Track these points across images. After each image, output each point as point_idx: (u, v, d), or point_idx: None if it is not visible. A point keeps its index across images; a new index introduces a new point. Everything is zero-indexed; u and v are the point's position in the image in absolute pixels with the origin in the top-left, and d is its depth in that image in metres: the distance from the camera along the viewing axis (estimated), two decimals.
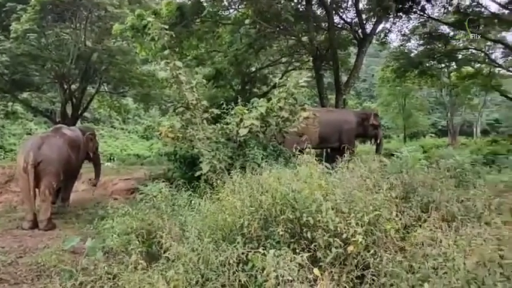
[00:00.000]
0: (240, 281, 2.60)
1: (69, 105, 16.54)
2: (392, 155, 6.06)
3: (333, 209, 2.88)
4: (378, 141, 11.06)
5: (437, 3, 14.96)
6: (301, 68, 17.21)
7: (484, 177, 5.50)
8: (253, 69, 18.41)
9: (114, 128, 29.88)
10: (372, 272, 2.57)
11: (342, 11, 15.51)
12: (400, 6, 13.50)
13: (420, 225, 3.14)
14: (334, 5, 14.42)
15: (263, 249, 2.62)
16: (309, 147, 3.84)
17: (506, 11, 14.88)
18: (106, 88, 19.05)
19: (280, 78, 14.12)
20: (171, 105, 8.04)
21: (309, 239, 2.83)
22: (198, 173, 5.71)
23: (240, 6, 14.60)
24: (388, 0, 11.35)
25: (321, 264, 2.67)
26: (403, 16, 15.45)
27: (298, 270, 2.44)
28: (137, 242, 3.37)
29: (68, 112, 16.49)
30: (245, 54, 14.25)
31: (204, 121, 6.48)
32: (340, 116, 10.61)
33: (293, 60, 18.59)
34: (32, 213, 6.09)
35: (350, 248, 2.65)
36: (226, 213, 3.36)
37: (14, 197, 8.84)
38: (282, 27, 14.25)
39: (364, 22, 14.17)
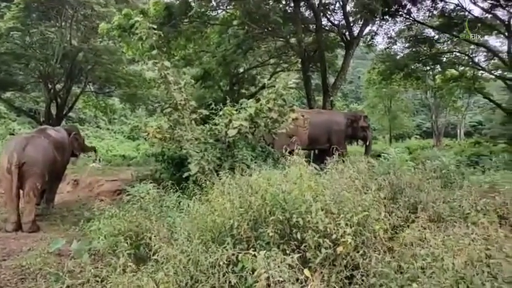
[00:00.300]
0: (230, 282, 2.59)
1: (53, 105, 16.27)
2: (379, 156, 6.14)
3: (322, 209, 2.88)
4: (367, 143, 11.19)
5: (423, 6, 15.24)
6: (289, 70, 17.30)
7: (469, 178, 5.60)
8: (241, 70, 18.44)
9: (100, 129, 29.50)
10: (361, 272, 2.59)
11: (329, 13, 15.66)
12: (387, 9, 13.71)
13: (408, 226, 3.18)
14: (322, 7, 14.55)
15: (253, 251, 2.61)
16: (298, 148, 3.85)
17: (489, 15, 15.22)
18: (92, 88, 18.83)
19: (269, 79, 14.19)
20: (158, 106, 7.99)
21: (298, 240, 2.83)
22: (186, 174, 5.67)
23: (228, 7, 14.60)
24: (375, 3, 11.50)
25: (310, 264, 2.67)
26: (389, 19, 15.69)
27: (289, 271, 2.44)
28: (125, 244, 3.32)
29: (53, 112, 16.22)
30: (233, 55, 14.24)
31: (193, 122, 6.44)
32: (330, 117, 10.69)
33: (281, 61, 18.69)
34: (16, 215, 5.94)
35: (339, 249, 2.65)
36: (215, 214, 3.34)
37: None
38: (270, 29, 14.31)
39: (351, 24, 14.33)
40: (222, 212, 3.29)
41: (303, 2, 14.18)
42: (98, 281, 2.88)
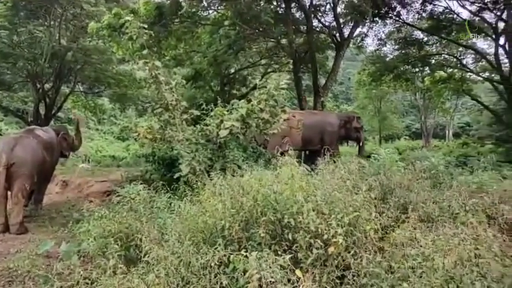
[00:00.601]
0: (221, 283, 2.58)
1: (42, 105, 16.06)
2: (369, 156, 6.17)
3: (313, 210, 2.89)
4: (360, 144, 11.27)
5: (412, 9, 15.39)
6: (281, 70, 17.33)
7: (457, 178, 5.65)
8: (233, 70, 18.43)
9: (89, 129, 29.23)
10: (353, 272, 2.59)
11: (320, 14, 15.75)
12: (376, 11, 13.82)
13: (398, 226, 3.20)
14: (312, 9, 14.61)
15: (245, 251, 2.60)
16: (291, 149, 3.85)
17: (477, 18, 15.44)
18: (81, 88, 18.65)
19: (260, 80, 14.16)
20: (149, 106, 7.93)
21: (290, 241, 2.83)
22: (177, 175, 5.63)
23: (219, 7, 14.58)
24: (365, 6, 11.59)
25: (302, 265, 2.68)
26: (379, 21, 15.81)
27: (280, 272, 2.44)
28: (115, 246, 3.28)
29: (41, 112, 16.01)
30: (224, 56, 14.23)
31: (184, 122, 6.40)
32: (323, 118, 10.72)
33: (272, 62, 18.72)
34: (3, 217, 5.85)
35: (331, 249, 2.66)
36: (206, 215, 3.32)
37: None
38: (261, 29, 14.33)
39: (342, 26, 14.43)
40: (213, 212, 3.28)
41: (294, 3, 14.22)
42: (87, 284, 2.84)
